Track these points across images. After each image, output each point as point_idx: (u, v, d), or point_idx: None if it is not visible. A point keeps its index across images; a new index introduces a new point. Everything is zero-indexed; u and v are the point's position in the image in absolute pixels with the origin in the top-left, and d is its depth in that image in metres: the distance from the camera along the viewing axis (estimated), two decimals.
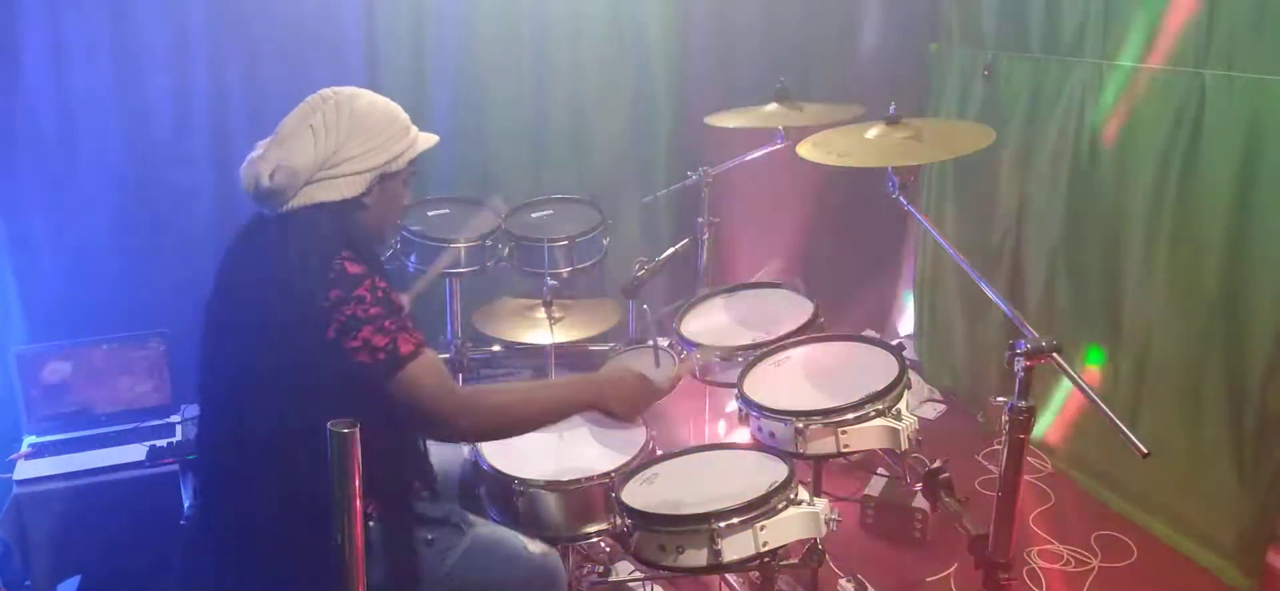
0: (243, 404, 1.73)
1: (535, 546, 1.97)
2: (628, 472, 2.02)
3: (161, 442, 2.69)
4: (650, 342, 2.51)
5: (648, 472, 2.01)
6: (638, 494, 1.93)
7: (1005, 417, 1.77)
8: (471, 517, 1.97)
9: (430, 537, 1.86)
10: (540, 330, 2.89)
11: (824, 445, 1.94)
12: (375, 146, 1.74)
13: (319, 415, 1.29)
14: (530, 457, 2.17)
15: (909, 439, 1.94)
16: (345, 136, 1.71)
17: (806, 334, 2.35)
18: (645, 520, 1.82)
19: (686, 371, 2.24)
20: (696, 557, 1.75)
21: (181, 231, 3.18)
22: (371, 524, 1.76)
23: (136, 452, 2.66)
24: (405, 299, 1.82)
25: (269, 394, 1.68)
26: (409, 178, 1.86)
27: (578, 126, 3.69)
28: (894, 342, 2.21)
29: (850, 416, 1.93)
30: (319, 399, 1.61)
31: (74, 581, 2.60)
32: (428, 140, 1.87)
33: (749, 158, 3.06)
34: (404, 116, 1.82)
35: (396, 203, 1.85)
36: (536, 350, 2.93)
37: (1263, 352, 2.61)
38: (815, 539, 1.88)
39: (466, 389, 1.80)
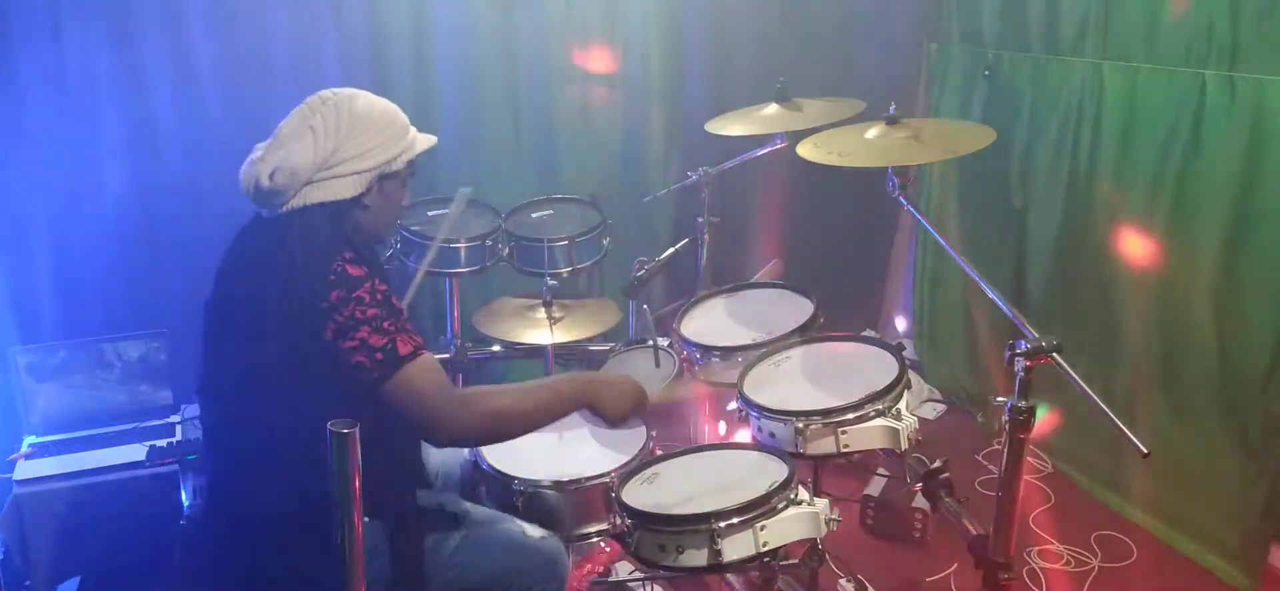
0: (242, 404, 1.73)
1: (534, 531, 1.97)
2: (628, 472, 2.02)
3: (161, 442, 2.69)
4: (650, 343, 2.51)
5: (648, 472, 2.01)
6: (638, 494, 1.93)
7: (1005, 417, 1.77)
8: (466, 505, 1.97)
9: (427, 528, 1.86)
10: (540, 330, 2.90)
11: (824, 445, 1.94)
12: (374, 147, 1.74)
13: (317, 416, 1.29)
14: (530, 457, 2.17)
15: (909, 439, 1.94)
16: (344, 137, 1.72)
17: (806, 334, 2.35)
18: (645, 520, 1.82)
19: (679, 395, 2.30)
20: (696, 557, 1.75)
21: (181, 231, 3.16)
22: (370, 520, 1.76)
23: (136, 452, 2.66)
24: (402, 303, 1.84)
25: (268, 394, 1.68)
26: (408, 178, 1.86)
27: (577, 126, 3.68)
28: (894, 343, 2.21)
29: (850, 416, 1.93)
30: (316, 399, 1.61)
31: (74, 581, 2.60)
32: (426, 141, 1.87)
33: (748, 157, 3.06)
34: (403, 117, 1.82)
35: (395, 203, 1.85)
36: (536, 350, 2.93)
37: (1263, 352, 2.61)
38: (815, 539, 1.88)
39: (464, 391, 1.80)
